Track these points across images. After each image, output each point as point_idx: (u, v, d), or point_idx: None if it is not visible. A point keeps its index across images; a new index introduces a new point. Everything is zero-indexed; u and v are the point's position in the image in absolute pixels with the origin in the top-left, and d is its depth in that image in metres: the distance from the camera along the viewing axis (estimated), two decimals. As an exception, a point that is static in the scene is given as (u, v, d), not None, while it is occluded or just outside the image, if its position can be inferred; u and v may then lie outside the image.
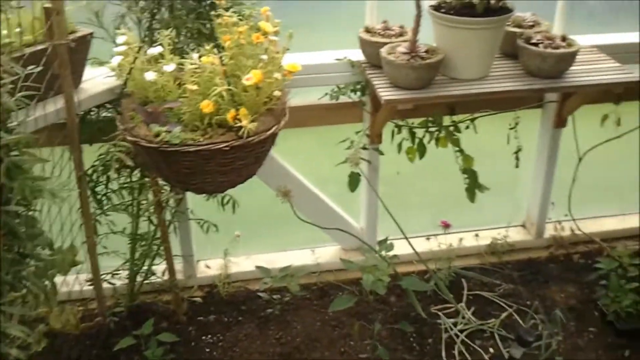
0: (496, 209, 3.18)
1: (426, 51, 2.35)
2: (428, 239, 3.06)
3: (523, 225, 3.26)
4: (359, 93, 2.63)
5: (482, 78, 2.45)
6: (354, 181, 2.64)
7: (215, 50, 1.87)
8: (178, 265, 2.87)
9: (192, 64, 1.88)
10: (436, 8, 2.40)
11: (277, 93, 1.91)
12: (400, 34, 2.52)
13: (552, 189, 3.09)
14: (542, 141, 3.00)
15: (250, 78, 1.81)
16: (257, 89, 1.87)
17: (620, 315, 2.67)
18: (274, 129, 1.89)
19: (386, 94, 2.33)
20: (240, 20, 1.96)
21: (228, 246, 2.96)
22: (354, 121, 2.79)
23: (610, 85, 2.44)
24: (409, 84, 2.34)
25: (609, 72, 2.49)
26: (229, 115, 1.80)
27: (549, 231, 3.20)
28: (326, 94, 2.63)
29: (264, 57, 1.87)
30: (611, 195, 3.36)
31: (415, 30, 2.30)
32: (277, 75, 1.88)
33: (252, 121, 1.82)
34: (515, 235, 3.20)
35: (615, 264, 2.76)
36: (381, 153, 2.73)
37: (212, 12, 1.94)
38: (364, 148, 2.67)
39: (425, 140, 2.70)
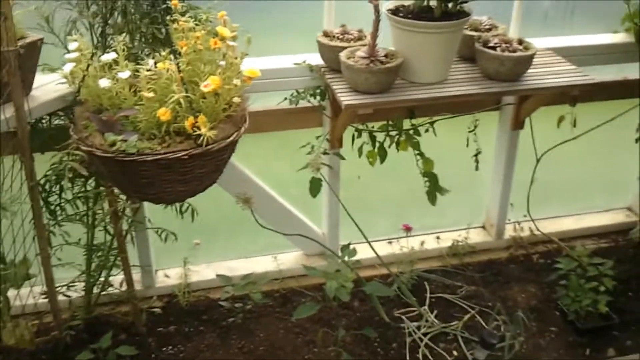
0: (457, 210, 3.20)
1: (385, 55, 2.34)
2: (390, 242, 3.05)
3: (483, 227, 3.29)
4: (318, 97, 2.61)
5: (441, 82, 2.45)
6: (315, 187, 2.62)
7: (171, 56, 1.81)
8: (136, 275, 2.80)
9: (147, 70, 1.83)
10: (394, 12, 2.39)
11: (236, 99, 1.86)
12: (359, 38, 2.51)
13: (511, 190, 3.12)
14: (500, 143, 3.03)
15: (209, 85, 1.77)
16: (216, 95, 1.83)
17: (581, 314, 2.70)
18: (234, 136, 1.85)
19: (346, 98, 2.31)
20: (197, 25, 1.92)
21: (187, 254, 2.91)
22: (314, 126, 2.77)
23: (567, 88, 2.47)
24: (369, 88, 2.33)
25: (565, 74, 2.52)
26: (187, 123, 1.75)
27: (509, 232, 3.23)
28: (285, 98, 2.60)
29: (222, 63, 1.83)
30: (568, 195, 3.41)
31: (374, 35, 2.28)
32: (236, 81, 1.84)
33: (212, 129, 1.78)
34: (476, 236, 3.22)
35: (574, 264, 2.80)
36: (342, 158, 2.72)
37: (168, 17, 1.89)
38: (325, 153, 2.65)
39: (385, 145, 2.69)
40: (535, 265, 3.13)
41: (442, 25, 2.30)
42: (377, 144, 2.69)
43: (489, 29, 2.60)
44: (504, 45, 2.43)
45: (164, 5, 1.88)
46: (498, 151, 3.05)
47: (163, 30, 2.07)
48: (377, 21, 2.26)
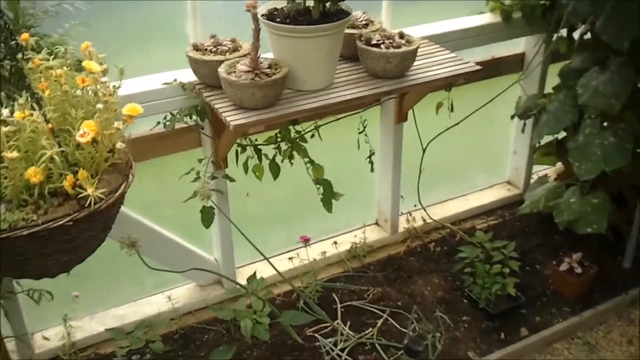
0: (349, 211, 3.08)
1: (269, 66, 2.13)
2: (291, 259, 2.86)
3: (377, 223, 3.20)
4: (195, 117, 2.35)
5: (329, 86, 2.29)
6: (207, 216, 2.37)
7: (33, 103, 1.50)
8: (10, 344, 2.42)
9: (4, 124, 1.50)
10: (269, 17, 2.19)
11: (119, 145, 1.59)
12: (235, 49, 2.28)
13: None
14: (386, 137, 2.94)
15: (86, 133, 1.48)
16: (95, 143, 1.54)
17: (491, 299, 2.69)
18: (122, 187, 1.58)
19: (234, 118, 2.09)
20: (55, 59, 1.61)
21: (66, 310, 2.54)
22: (192, 147, 2.53)
23: (453, 78, 2.40)
24: (256, 104, 2.12)
25: (448, 63, 2.45)
26: (67, 183, 1.46)
27: (402, 224, 3.17)
28: (158, 122, 2.33)
29: (100, 106, 1.53)
30: (453, 177, 3.42)
31: (256, 46, 2.07)
32: (118, 123, 1.56)
33: (95, 182, 1.50)
34: (372, 234, 3.13)
35: (477, 251, 2.78)
36: (231, 180, 2.49)
37: (19, 56, 1.56)
38: (213, 177, 2.41)
39: (278, 160, 2.50)
40: (433, 254, 3.10)
41: (326, 28, 2.13)
42: (269, 160, 2.49)
43: (366, 25, 2.47)
44: (387, 41, 2.31)
45: (13, 42, 1.54)
46: (384, 146, 2.96)
47: (8, 66, 1.73)
48: (257, 31, 2.05)
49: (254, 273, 2.32)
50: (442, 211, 3.28)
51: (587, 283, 2.80)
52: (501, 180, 3.52)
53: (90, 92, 1.60)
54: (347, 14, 2.22)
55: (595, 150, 2.58)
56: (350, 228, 3.13)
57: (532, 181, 3.27)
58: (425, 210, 3.15)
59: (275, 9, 2.26)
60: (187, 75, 2.32)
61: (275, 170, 2.49)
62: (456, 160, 3.37)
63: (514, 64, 3.15)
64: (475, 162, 3.45)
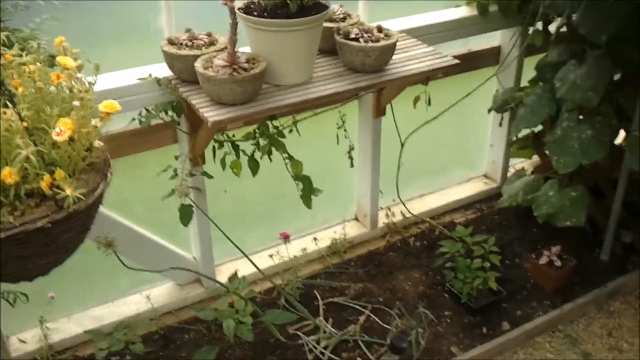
0: (330, 206, 3.06)
1: (247, 60, 2.10)
2: (271, 256, 2.83)
3: (356, 219, 3.18)
4: (171, 113, 2.30)
5: (307, 81, 2.26)
6: (186, 214, 2.33)
7: (6, 100, 1.44)
8: (-17, 349, 2.36)
9: (-24, 123, 1.44)
10: (246, 11, 2.15)
11: (97, 143, 1.54)
12: (211, 43, 2.24)
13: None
14: (364, 132, 2.92)
15: (63, 132, 1.43)
16: (72, 141, 1.49)
17: (473, 294, 2.69)
18: (101, 187, 1.53)
19: (211, 114, 2.05)
20: (27, 54, 1.56)
21: (43, 312, 2.48)
22: (167, 143, 2.49)
23: (433, 72, 2.39)
24: (234, 100, 2.08)
25: (427, 57, 2.44)
26: (44, 184, 1.41)
27: (382, 219, 3.16)
28: (134, 119, 2.28)
29: (77, 103, 1.48)
30: (432, 171, 3.42)
31: (233, 40, 2.03)
32: (95, 121, 1.52)
33: (74, 182, 1.45)
34: (351, 230, 3.11)
35: (458, 245, 2.78)
36: (209, 176, 2.45)
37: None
38: (191, 174, 2.37)
39: (257, 156, 2.47)
40: (413, 249, 3.09)
41: (304, 21, 2.10)
42: (247, 157, 2.46)
43: (344, 19, 2.45)
44: (365, 35, 2.29)
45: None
46: (363, 141, 2.94)
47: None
48: (234, 25, 2.02)
49: (235, 272, 2.28)
50: (420, 206, 3.27)
51: (567, 276, 2.81)
52: (478, 173, 3.52)
53: (65, 89, 1.55)
54: (325, 7, 2.19)
55: (572, 144, 2.59)
56: (330, 224, 3.11)
57: (509, 174, 3.28)
58: (404, 204, 3.14)
59: (252, 3, 2.22)
60: (163, 70, 2.27)
61: (254, 167, 2.46)
62: (434, 154, 3.37)
63: (490, 58, 3.15)
64: (453, 156, 3.45)
